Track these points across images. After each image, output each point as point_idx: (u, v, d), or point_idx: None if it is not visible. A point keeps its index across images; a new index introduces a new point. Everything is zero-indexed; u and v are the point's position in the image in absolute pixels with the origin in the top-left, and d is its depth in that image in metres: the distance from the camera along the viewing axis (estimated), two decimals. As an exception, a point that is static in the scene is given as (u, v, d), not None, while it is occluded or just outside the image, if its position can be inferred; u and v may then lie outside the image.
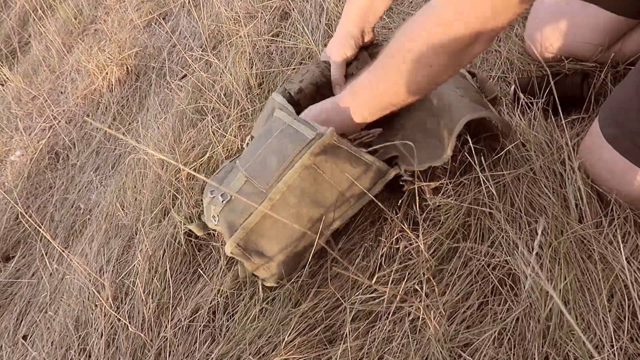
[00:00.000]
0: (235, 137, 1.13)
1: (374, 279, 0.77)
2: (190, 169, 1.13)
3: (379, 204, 0.77)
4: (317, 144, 0.74)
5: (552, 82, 0.75)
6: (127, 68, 1.78)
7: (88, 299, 1.05)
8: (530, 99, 0.81)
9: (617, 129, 0.66)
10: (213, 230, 0.98)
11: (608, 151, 0.67)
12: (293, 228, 0.77)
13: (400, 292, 0.73)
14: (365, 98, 0.74)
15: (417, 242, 0.76)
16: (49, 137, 1.78)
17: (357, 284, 0.79)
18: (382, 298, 0.75)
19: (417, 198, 0.81)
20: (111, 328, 0.96)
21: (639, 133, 0.64)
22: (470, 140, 0.83)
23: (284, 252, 0.79)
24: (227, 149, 1.13)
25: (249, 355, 0.78)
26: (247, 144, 0.92)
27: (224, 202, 0.81)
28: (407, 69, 0.66)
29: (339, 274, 0.81)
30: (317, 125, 0.77)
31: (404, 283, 0.75)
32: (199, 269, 0.96)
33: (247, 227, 0.78)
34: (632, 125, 0.65)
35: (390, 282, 0.75)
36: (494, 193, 0.76)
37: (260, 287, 0.84)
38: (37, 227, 1.40)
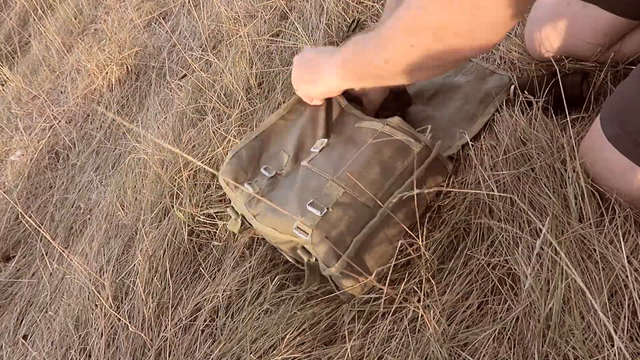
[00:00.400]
0: (235, 137, 1.14)
1: (373, 275, 0.77)
2: (191, 169, 1.13)
3: (382, 205, 0.77)
4: (428, 162, 0.76)
5: (558, 78, 0.76)
6: (127, 68, 1.78)
7: (88, 299, 1.05)
8: (530, 98, 0.81)
9: (619, 128, 0.66)
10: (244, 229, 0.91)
11: (609, 151, 0.67)
12: (398, 241, 0.75)
13: (400, 292, 0.73)
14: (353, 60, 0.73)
15: (417, 242, 0.76)
16: (49, 136, 1.78)
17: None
18: (383, 298, 0.75)
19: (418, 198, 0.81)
20: (111, 328, 0.97)
21: None
22: (469, 140, 0.83)
23: (383, 266, 0.76)
24: (228, 151, 1.13)
25: (249, 354, 0.78)
26: (321, 149, 0.83)
27: (321, 214, 0.73)
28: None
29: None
30: (415, 132, 0.77)
31: (404, 284, 0.74)
32: (200, 269, 0.96)
33: (356, 243, 0.72)
34: (635, 125, 0.64)
35: (391, 282, 0.75)
36: (495, 192, 0.76)
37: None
38: (37, 227, 1.40)
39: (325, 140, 0.84)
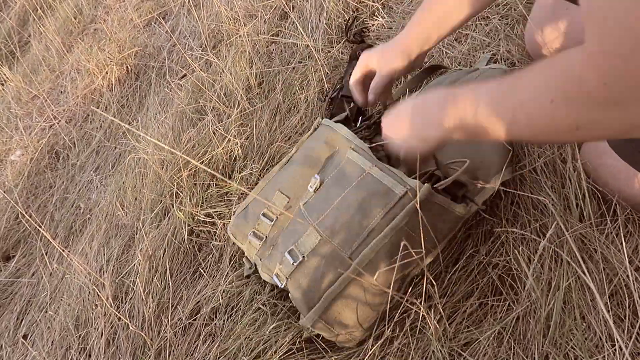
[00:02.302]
0: (234, 137, 1.13)
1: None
2: (190, 168, 1.12)
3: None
4: (409, 207, 0.65)
5: None
6: (127, 67, 1.78)
7: (88, 299, 1.05)
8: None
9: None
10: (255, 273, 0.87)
11: (611, 157, 0.67)
12: (380, 294, 0.69)
13: (402, 294, 0.73)
14: (488, 109, 0.53)
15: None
16: (49, 136, 1.78)
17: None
18: (386, 299, 0.75)
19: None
20: (111, 327, 0.96)
21: None
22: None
23: (369, 318, 0.71)
24: (228, 150, 1.13)
25: (248, 352, 0.78)
26: (315, 189, 0.76)
27: (296, 264, 0.71)
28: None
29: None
30: (405, 177, 0.66)
31: (409, 286, 0.74)
32: (200, 269, 0.96)
33: (329, 297, 0.68)
34: None
35: (393, 283, 0.74)
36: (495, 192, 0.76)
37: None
38: (37, 227, 1.40)
39: (318, 177, 0.77)
